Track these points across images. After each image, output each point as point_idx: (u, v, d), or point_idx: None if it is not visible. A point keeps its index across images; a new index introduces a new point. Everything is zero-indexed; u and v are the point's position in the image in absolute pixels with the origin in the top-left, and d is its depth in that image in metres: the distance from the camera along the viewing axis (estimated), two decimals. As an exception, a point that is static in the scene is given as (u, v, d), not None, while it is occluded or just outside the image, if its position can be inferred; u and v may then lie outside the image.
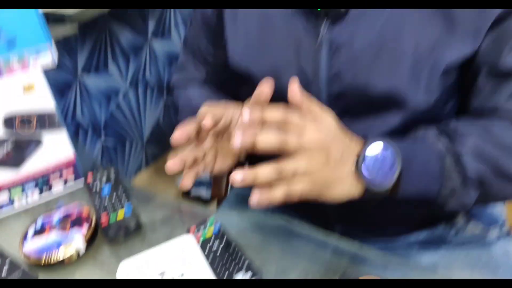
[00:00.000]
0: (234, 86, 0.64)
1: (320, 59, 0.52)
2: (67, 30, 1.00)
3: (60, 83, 1.33)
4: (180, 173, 0.50)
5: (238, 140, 0.39)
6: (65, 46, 1.28)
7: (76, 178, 0.67)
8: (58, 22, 1.06)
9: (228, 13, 0.60)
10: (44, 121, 0.61)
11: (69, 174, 0.66)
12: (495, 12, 0.47)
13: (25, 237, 0.55)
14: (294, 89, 0.41)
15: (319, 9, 0.50)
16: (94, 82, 1.45)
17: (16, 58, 0.59)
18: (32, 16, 0.62)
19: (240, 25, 0.59)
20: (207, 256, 0.48)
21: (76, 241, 0.53)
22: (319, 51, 0.52)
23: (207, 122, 0.47)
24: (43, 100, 0.61)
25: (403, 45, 0.49)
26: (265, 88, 0.47)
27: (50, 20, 1.07)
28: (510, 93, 0.49)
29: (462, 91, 0.54)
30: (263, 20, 0.56)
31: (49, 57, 0.63)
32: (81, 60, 1.37)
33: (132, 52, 1.57)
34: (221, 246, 0.50)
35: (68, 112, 1.39)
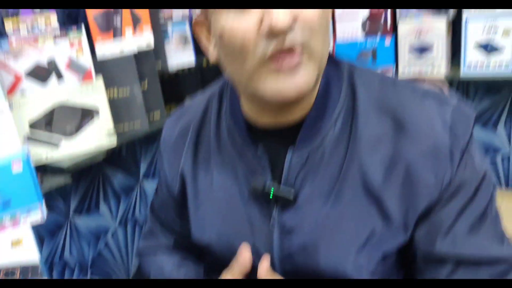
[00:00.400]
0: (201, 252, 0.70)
1: (273, 241, 0.59)
2: (62, 180, 1.11)
3: (52, 224, 1.40)
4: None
5: None
6: (58, 191, 1.38)
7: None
8: (55, 173, 1.17)
9: (190, 190, 0.67)
10: (27, 273, 0.67)
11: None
12: (421, 207, 0.54)
13: None
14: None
15: (270, 197, 0.58)
16: (84, 222, 1.52)
17: (9, 217, 0.67)
18: (28, 178, 0.72)
19: (202, 205, 0.66)
20: None
21: None
22: (272, 234, 0.59)
23: None
24: (29, 254, 0.67)
25: (345, 232, 0.56)
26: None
27: (48, 171, 1.19)
28: (447, 274, 0.54)
29: (405, 268, 0.61)
30: (223, 203, 0.64)
31: (39, 214, 0.71)
32: (73, 203, 1.46)
33: (123, 193, 1.67)
34: None
35: (57, 252, 1.43)
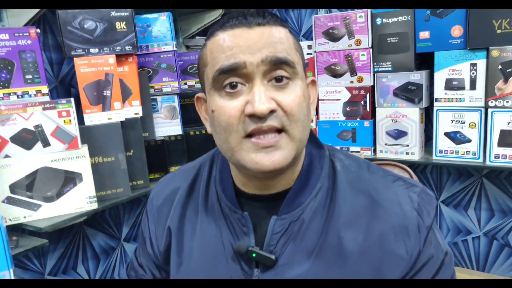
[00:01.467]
0: None
1: None
2: (39, 241, 1.13)
3: (25, 285, 1.39)
4: None
5: None
6: (35, 252, 1.39)
7: None
8: (33, 234, 1.19)
9: (174, 246, 0.72)
10: None
11: None
12: (393, 277, 0.60)
13: None
14: None
15: (253, 260, 0.64)
16: (58, 284, 1.51)
17: (-26, 284, 0.69)
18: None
19: (184, 263, 0.71)
20: None
21: None
22: None
23: None
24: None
25: None
26: None
27: (25, 232, 1.21)
28: None
29: None
30: (205, 262, 0.68)
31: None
32: (49, 264, 1.46)
33: (103, 254, 1.68)
34: None
35: (27, 313, 1.41)
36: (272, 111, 0.56)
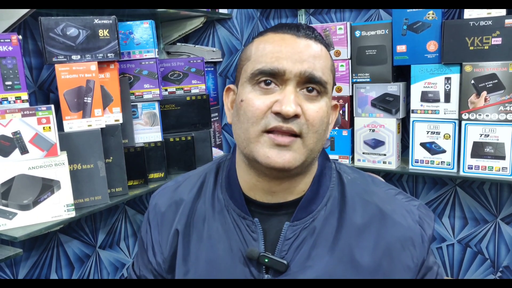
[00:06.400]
0: None
1: None
2: (13, 251, 1.10)
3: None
4: None
5: None
6: (7, 261, 1.35)
7: None
8: (7, 244, 1.16)
9: (179, 253, 0.72)
10: None
11: None
12: None
13: None
14: None
15: (264, 267, 0.66)
16: (32, 293, 1.47)
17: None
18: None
19: (191, 270, 0.71)
20: None
21: None
22: None
23: None
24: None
25: None
26: None
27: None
28: None
29: None
30: (214, 269, 0.69)
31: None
32: (22, 274, 1.42)
33: (78, 261, 1.64)
34: None
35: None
36: (296, 116, 0.61)
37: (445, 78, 1.34)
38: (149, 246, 0.77)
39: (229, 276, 0.68)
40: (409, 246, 0.66)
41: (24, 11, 1.13)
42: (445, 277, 0.73)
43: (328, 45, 0.69)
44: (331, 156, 1.59)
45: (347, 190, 0.70)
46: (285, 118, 0.60)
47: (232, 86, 0.72)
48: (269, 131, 0.61)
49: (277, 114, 0.61)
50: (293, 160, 0.61)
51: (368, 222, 0.67)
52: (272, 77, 0.62)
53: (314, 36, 0.65)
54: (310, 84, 0.63)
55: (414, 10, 1.36)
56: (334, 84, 0.70)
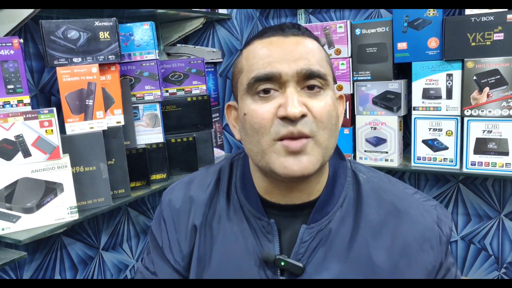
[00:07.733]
0: None
1: None
2: (17, 254, 1.10)
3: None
4: None
5: None
6: (12, 264, 1.36)
7: None
8: (10, 247, 1.16)
9: (194, 257, 0.71)
10: None
11: None
12: None
13: None
14: None
15: (280, 269, 0.65)
16: (36, 296, 1.47)
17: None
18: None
19: (207, 270, 0.70)
20: None
21: None
22: None
23: None
24: None
25: None
26: None
27: (2, 244, 1.18)
28: None
29: None
30: (229, 270, 0.68)
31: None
32: (26, 276, 1.42)
33: (81, 263, 1.65)
34: None
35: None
36: (303, 116, 0.59)
37: (447, 74, 1.34)
38: (165, 245, 0.75)
39: (243, 277, 0.67)
40: (427, 247, 0.65)
41: (25, 15, 1.12)
42: (462, 277, 0.72)
43: (317, 38, 0.66)
44: (333, 155, 1.59)
45: (363, 189, 0.68)
46: (292, 120, 0.58)
47: (232, 102, 0.70)
48: (280, 139, 0.60)
49: (284, 118, 0.59)
50: (311, 165, 0.60)
51: (384, 220, 0.66)
52: (269, 83, 0.60)
53: (301, 32, 0.63)
54: (310, 80, 0.61)
55: (414, 7, 1.35)
56: (334, 77, 0.68)
